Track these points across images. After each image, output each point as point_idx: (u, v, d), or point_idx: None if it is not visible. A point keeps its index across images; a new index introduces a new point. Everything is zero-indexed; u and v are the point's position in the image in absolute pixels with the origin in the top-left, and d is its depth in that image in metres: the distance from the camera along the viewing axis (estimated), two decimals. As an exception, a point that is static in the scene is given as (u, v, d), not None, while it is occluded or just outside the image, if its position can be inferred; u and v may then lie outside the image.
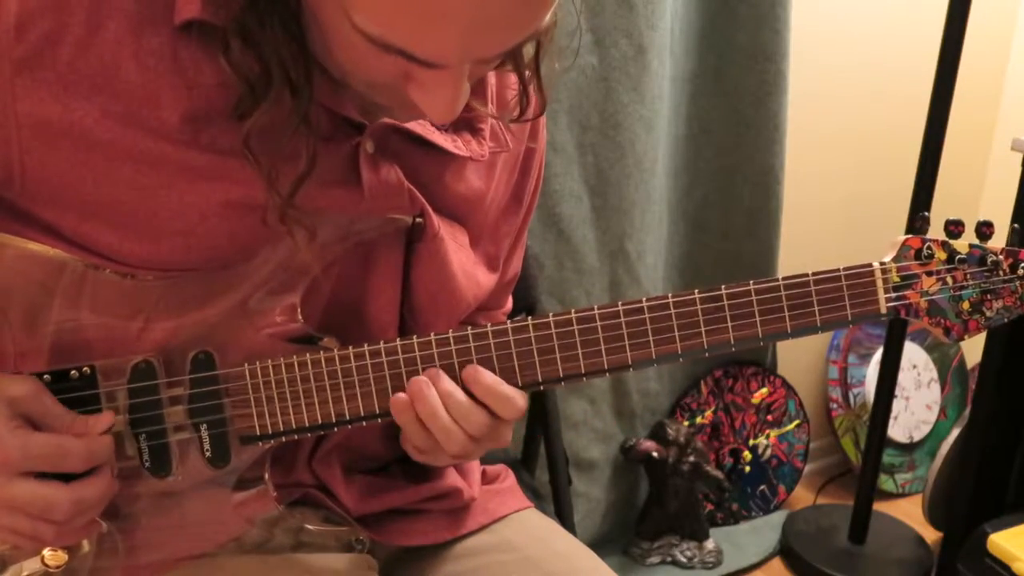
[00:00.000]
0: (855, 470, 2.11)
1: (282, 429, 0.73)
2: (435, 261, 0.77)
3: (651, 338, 0.71)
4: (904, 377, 2.11)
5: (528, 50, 0.70)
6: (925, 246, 0.73)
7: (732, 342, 0.72)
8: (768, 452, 2.02)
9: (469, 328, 0.72)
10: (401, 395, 0.71)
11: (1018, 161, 1.57)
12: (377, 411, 0.72)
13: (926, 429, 2.20)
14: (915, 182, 1.67)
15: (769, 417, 2.01)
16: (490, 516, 0.89)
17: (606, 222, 1.65)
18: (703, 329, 0.71)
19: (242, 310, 0.72)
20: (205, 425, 0.72)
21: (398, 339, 0.72)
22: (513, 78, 0.74)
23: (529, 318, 0.72)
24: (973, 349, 2.05)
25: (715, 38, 1.73)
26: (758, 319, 0.71)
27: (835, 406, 2.14)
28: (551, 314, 0.71)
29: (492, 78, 0.79)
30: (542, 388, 0.74)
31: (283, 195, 0.66)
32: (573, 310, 0.71)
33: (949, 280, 0.74)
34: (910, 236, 0.74)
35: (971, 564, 1.50)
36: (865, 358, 2.16)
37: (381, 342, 0.72)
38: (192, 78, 0.66)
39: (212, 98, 0.67)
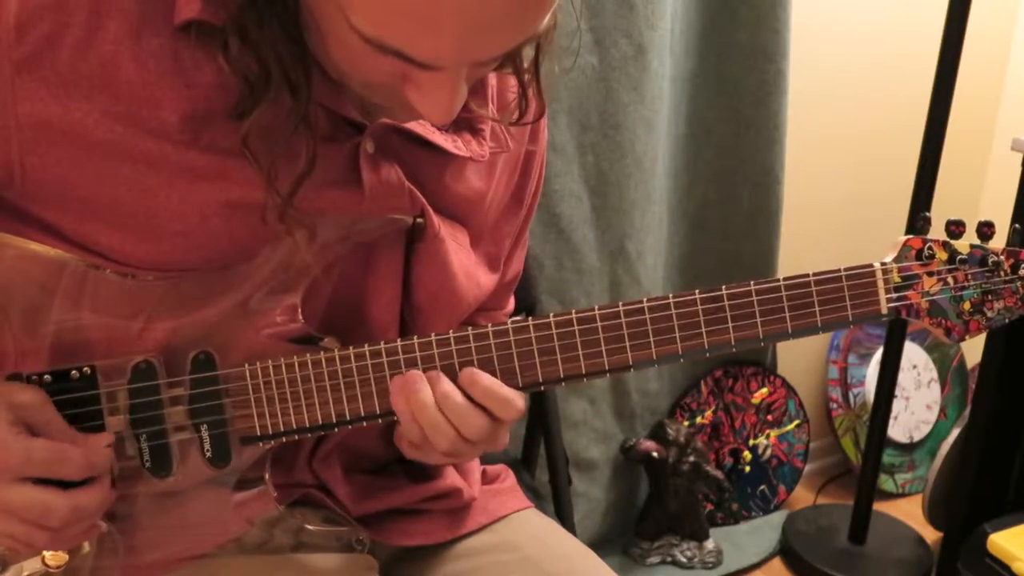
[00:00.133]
0: (855, 470, 2.11)
1: (282, 429, 0.73)
2: (436, 261, 0.77)
3: (652, 339, 0.71)
4: (904, 377, 2.11)
5: (528, 52, 0.70)
6: (926, 246, 0.73)
7: (733, 343, 0.71)
8: (768, 452, 2.02)
9: (469, 328, 0.72)
10: (399, 378, 0.71)
11: (1018, 161, 1.57)
12: (377, 411, 0.72)
13: (926, 429, 2.20)
14: (915, 182, 1.67)
15: (769, 417, 2.01)
16: (490, 516, 0.89)
17: (606, 222, 1.65)
18: (704, 330, 0.71)
19: (243, 310, 0.72)
20: (205, 425, 0.72)
21: (398, 339, 0.72)
22: (514, 80, 0.74)
23: (530, 318, 0.72)
24: (973, 349, 2.05)
25: (715, 38, 1.73)
26: (759, 319, 0.71)
27: (835, 406, 2.14)
28: (551, 314, 0.71)
29: (493, 79, 0.79)
30: (543, 388, 0.74)
31: (283, 195, 0.66)
32: (574, 310, 0.71)
33: (950, 280, 0.74)
34: (911, 236, 0.74)
35: (971, 564, 1.50)
36: (865, 358, 2.16)
37: (381, 342, 0.72)
38: (192, 78, 0.66)
39: (212, 98, 0.67)
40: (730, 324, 0.71)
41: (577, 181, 1.60)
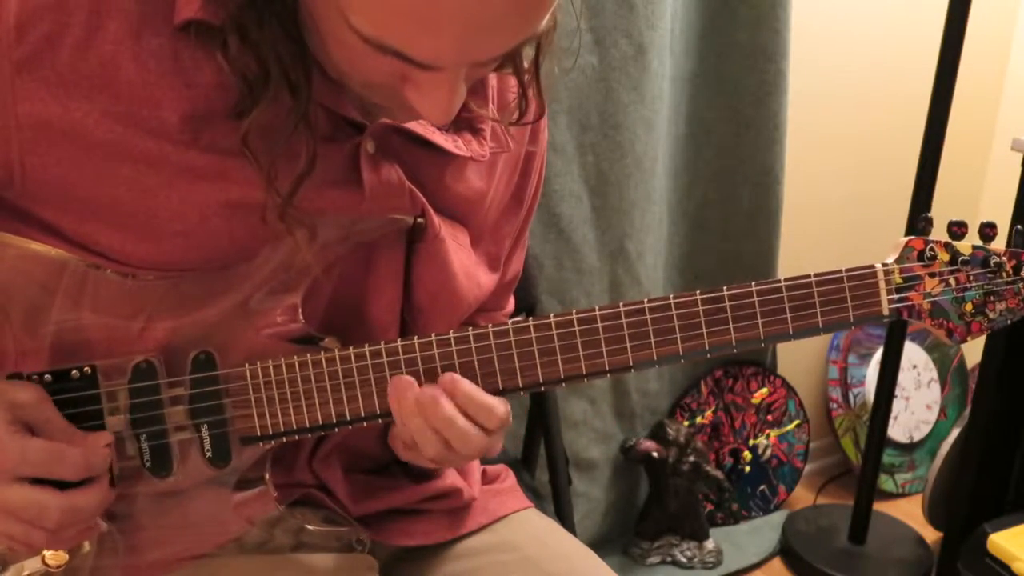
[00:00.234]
0: (855, 470, 2.11)
1: (283, 429, 0.73)
2: (436, 261, 0.77)
3: (652, 339, 0.71)
4: (904, 377, 2.11)
5: (528, 52, 0.70)
6: (928, 247, 0.73)
7: (734, 343, 0.71)
8: (768, 452, 2.02)
9: (469, 328, 0.72)
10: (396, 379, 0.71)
11: (1018, 161, 1.57)
12: (377, 411, 0.72)
13: (926, 429, 2.20)
14: (915, 182, 1.67)
15: (769, 417, 2.01)
16: (490, 516, 0.89)
17: (606, 222, 1.65)
18: (705, 330, 0.71)
19: (243, 310, 0.72)
20: (206, 425, 0.72)
21: (399, 339, 0.71)
22: (514, 80, 0.74)
23: (530, 319, 0.71)
24: (973, 349, 2.05)
25: (715, 38, 1.73)
26: (760, 320, 0.71)
27: (835, 406, 2.14)
28: (552, 315, 0.71)
29: (493, 79, 0.79)
30: (543, 389, 0.73)
31: (283, 195, 0.66)
32: (574, 311, 0.71)
33: (952, 282, 0.73)
34: (913, 237, 0.74)
35: (971, 564, 1.50)
36: (865, 358, 2.16)
37: (381, 342, 0.71)
38: (192, 78, 0.66)
39: (212, 98, 0.66)
40: (731, 325, 0.71)
41: (577, 181, 1.60)
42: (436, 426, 0.70)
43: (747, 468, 2.00)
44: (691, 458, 1.83)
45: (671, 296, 0.71)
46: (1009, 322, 0.74)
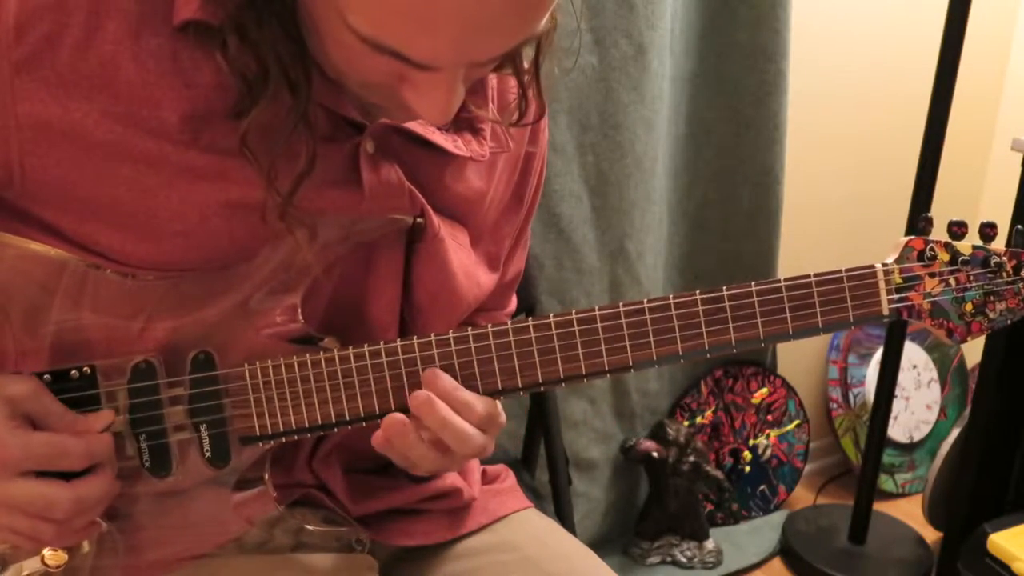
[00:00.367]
0: (855, 470, 2.11)
1: (282, 429, 0.73)
2: (436, 261, 0.77)
3: (652, 339, 0.71)
4: (904, 377, 2.11)
5: (528, 53, 0.70)
6: (928, 247, 0.73)
7: (733, 343, 0.71)
8: (768, 452, 2.02)
9: (469, 328, 0.72)
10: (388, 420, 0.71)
11: (1018, 161, 1.57)
12: (377, 411, 0.72)
13: (926, 429, 2.20)
14: (915, 182, 1.67)
15: (769, 417, 2.01)
16: (490, 516, 0.89)
17: (606, 222, 1.65)
18: (704, 330, 0.71)
19: (243, 310, 0.72)
20: (205, 425, 0.72)
21: (398, 339, 0.72)
22: (514, 80, 0.73)
23: (530, 319, 0.71)
24: (973, 349, 2.05)
25: (715, 38, 1.73)
26: (760, 320, 0.71)
27: (835, 406, 2.14)
28: (552, 315, 0.71)
29: (493, 80, 0.79)
30: (543, 389, 0.73)
31: (283, 194, 0.66)
32: (574, 311, 0.71)
33: (952, 282, 0.73)
34: (913, 237, 0.74)
35: (971, 564, 1.50)
36: (865, 358, 2.16)
37: (381, 342, 0.71)
38: (191, 78, 0.66)
39: (212, 98, 0.67)
40: (731, 325, 0.71)
41: (577, 181, 1.60)
42: (433, 427, 0.70)
43: (747, 468, 2.00)
44: (691, 458, 1.83)
45: (671, 296, 0.71)
46: (1009, 322, 0.74)
